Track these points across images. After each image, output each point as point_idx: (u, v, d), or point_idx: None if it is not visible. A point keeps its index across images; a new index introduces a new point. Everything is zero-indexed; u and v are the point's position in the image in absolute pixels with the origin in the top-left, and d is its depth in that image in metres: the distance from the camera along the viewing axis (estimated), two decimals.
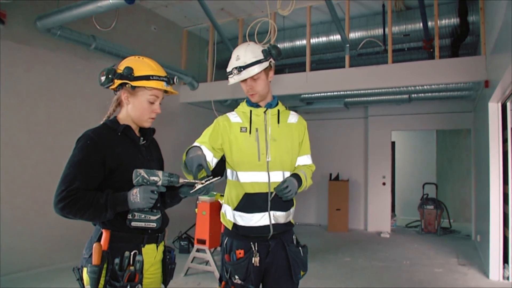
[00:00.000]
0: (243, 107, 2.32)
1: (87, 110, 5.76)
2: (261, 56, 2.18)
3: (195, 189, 1.81)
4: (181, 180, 1.75)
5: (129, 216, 1.72)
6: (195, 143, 2.19)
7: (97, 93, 5.75)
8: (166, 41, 7.54)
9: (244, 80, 2.20)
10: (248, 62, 2.15)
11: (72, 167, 1.69)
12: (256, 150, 2.19)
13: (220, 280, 2.21)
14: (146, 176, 1.68)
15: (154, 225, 1.76)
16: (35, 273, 4.98)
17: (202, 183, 1.79)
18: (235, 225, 2.19)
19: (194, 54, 8.25)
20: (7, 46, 4.89)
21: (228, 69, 2.22)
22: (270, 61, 2.22)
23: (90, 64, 5.86)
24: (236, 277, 2.09)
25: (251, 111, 2.27)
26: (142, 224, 1.73)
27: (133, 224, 1.72)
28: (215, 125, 2.25)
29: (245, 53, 2.18)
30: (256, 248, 2.15)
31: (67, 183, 1.65)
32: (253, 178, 2.18)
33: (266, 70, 2.21)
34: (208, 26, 7.62)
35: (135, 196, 1.68)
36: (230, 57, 2.27)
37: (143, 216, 1.73)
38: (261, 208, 2.16)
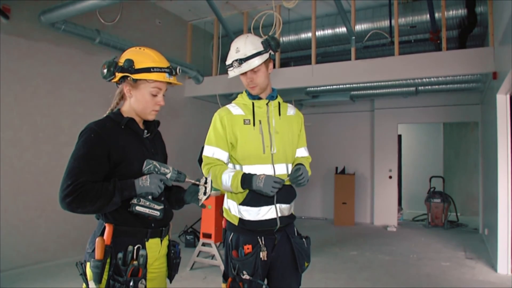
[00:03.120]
0: (243, 98, 2.27)
1: (91, 104, 5.76)
2: (261, 48, 2.15)
3: (200, 203, 1.88)
4: (186, 179, 1.79)
5: (134, 201, 1.69)
6: (212, 147, 2.17)
7: (102, 87, 5.73)
8: (170, 35, 7.51)
9: (244, 73, 2.17)
10: (249, 54, 2.13)
11: (77, 161, 1.66)
12: (260, 142, 2.16)
13: (225, 277, 2.17)
14: (158, 165, 1.72)
15: (157, 214, 1.74)
16: (38, 268, 5.01)
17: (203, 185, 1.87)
18: (241, 220, 2.14)
19: (199, 48, 8.22)
20: (12, 40, 4.89)
21: (228, 62, 2.19)
22: (270, 53, 2.20)
23: (94, 59, 5.84)
24: (245, 272, 2.06)
25: (253, 103, 2.23)
26: (146, 211, 1.71)
27: (137, 208, 1.69)
28: (222, 122, 2.17)
29: (245, 45, 2.15)
30: (263, 242, 2.12)
31: (73, 177, 1.61)
32: (259, 171, 2.13)
33: (266, 62, 2.19)
34: (213, 19, 7.58)
35: (145, 181, 1.69)
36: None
37: (147, 203, 1.71)
38: (268, 201, 2.12)
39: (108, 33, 5.67)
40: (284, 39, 7.50)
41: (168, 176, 1.73)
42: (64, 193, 1.59)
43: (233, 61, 2.14)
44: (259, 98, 2.24)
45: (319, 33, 7.17)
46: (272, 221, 2.14)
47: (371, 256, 6.14)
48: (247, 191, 2.11)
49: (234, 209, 2.18)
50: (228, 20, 7.07)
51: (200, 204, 1.87)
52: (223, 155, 2.17)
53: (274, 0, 5.74)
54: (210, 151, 2.17)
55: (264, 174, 2.04)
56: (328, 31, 7.19)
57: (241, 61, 2.12)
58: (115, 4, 4.97)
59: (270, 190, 2.00)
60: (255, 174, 2.06)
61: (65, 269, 4.95)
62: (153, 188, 1.69)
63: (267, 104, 2.25)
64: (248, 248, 2.10)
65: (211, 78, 7.52)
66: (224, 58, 7.62)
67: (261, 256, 2.09)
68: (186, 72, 7.08)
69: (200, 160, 6.26)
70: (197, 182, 1.86)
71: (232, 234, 2.18)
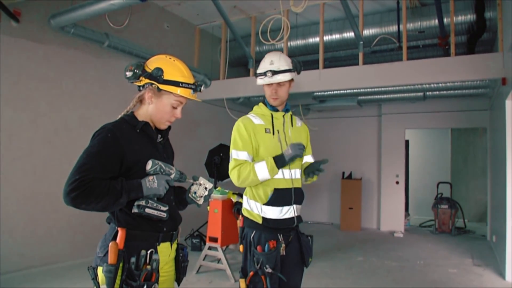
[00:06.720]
0: (262, 109, 2.53)
1: (100, 106, 5.79)
2: (291, 66, 2.45)
3: (199, 203, 1.99)
4: (187, 180, 1.87)
5: (142, 202, 1.68)
6: (239, 151, 2.38)
7: (110, 90, 5.80)
8: (178, 39, 7.55)
9: (270, 84, 2.44)
10: (282, 68, 2.42)
11: (89, 157, 1.64)
12: (280, 149, 2.41)
13: (244, 272, 2.36)
14: (163, 166, 1.74)
15: (164, 215, 1.75)
16: (45, 269, 5.03)
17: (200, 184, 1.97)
18: (265, 219, 2.36)
19: (207, 52, 8.25)
20: (22, 44, 4.94)
21: (261, 70, 2.46)
22: (295, 73, 2.49)
23: (103, 62, 5.89)
24: (267, 266, 2.26)
25: (272, 114, 2.49)
26: (155, 213, 1.72)
27: (147, 211, 1.69)
28: (246, 129, 2.40)
29: (279, 60, 2.44)
30: (282, 239, 2.37)
31: (82, 173, 1.58)
32: (280, 175, 2.39)
33: (290, 80, 2.49)
34: (221, 23, 7.61)
35: (152, 182, 1.69)
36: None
37: (154, 204, 1.72)
38: (288, 202, 2.40)
39: (117, 36, 5.71)
40: (292, 43, 7.51)
41: (172, 176, 1.76)
42: (69, 188, 1.54)
43: (267, 71, 2.41)
44: (277, 110, 2.52)
45: (327, 37, 7.17)
46: (291, 220, 2.42)
47: (377, 262, 6.10)
48: (270, 192, 2.37)
49: (257, 209, 2.40)
50: (236, 24, 7.09)
51: (199, 204, 1.98)
52: (249, 158, 2.40)
53: (282, 1, 5.74)
54: (238, 154, 2.40)
55: (288, 146, 2.35)
56: (336, 36, 7.20)
57: (274, 72, 2.40)
58: (124, 8, 5.01)
59: (298, 150, 2.29)
60: (282, 152, 2.36)
61: (72, 271, 4.97)
62: (160, 190, 1.71)
63: (283, 116, 2.52)
64: (273, 244, 2.32)
65: (219, 82, 7.53)
66: (232, 62, 7.67)
67: (280, 251, 2.34)
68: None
69: (207, 164, 6.27)
70: (193, 181, 1.95)
71: (254, 232, 2.38)
